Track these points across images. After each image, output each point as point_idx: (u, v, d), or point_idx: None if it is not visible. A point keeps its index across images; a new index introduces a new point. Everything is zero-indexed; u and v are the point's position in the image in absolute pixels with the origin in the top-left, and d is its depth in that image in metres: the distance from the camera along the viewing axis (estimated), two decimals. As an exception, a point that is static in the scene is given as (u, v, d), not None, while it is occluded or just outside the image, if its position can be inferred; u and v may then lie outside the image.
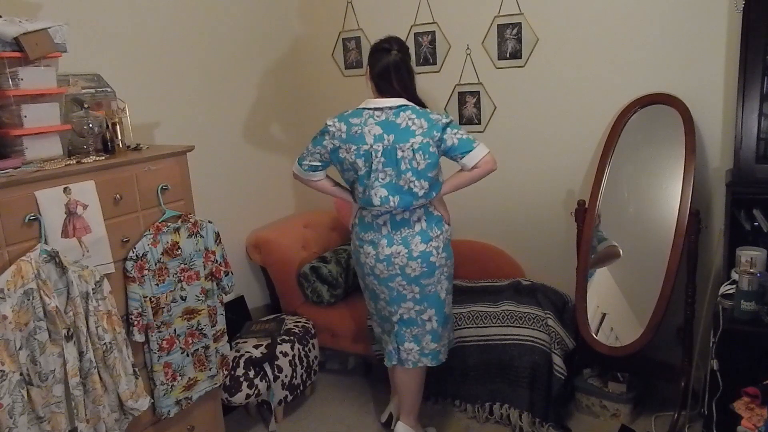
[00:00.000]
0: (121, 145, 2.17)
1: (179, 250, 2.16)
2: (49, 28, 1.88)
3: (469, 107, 3.14)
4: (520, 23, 2.89)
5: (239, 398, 2.60)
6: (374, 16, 3.29)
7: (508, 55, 2.97)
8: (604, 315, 2.68)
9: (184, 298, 2.19)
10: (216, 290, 2.31)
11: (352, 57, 3.42)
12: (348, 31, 3.39)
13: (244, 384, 2.60)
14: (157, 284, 2.10)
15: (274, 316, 3.13)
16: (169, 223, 2.14)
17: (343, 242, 3.38)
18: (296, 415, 2.91)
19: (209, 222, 2.27)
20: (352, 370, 3.25)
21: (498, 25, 2.95)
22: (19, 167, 1.82)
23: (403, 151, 2.16)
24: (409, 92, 2.26)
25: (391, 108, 2.20)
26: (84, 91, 2.18)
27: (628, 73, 2.72)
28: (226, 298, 2.46)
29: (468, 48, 3.07)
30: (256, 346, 2.74)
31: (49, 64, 1.92)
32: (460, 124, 3.14)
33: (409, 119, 2.18)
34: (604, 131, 2.80)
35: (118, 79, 2.40)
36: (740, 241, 2.28)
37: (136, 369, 2.01)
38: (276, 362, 2.72)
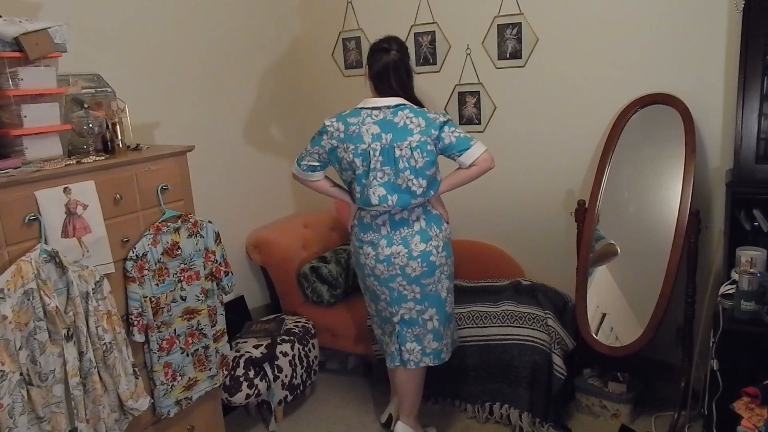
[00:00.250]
0: (121, 145, 2.17)
1: (179, 250, 2.16)
2: (49, 28, 1.88)
3: (469, 107, 3.14)
4: (520, 23, 2.89)
5: (239, 398, 2.60)
6: (374, 16, 3.29)
7: (508, 55, 2.97)
8: (604, 315, 2.68)
9: (184, 298, 2.19)
10: (216, 290, 2.31)
11: (352, 57, 3.42)
12: (348, 31, 3.39)
13: (244, 384, 2.60)
14: (157, 284, 2.10)
15: (274, 316, 3.13)
16: (169, 223, 2.14)
17: (343, 242, 3.38)
18: (296, 415, 2.91)
19: (209, 222, 2.27)
20: (352, 370, 3.25)
21: (498, 25, 2.95)
22: (19, 167, 1.82)
23: (401, 149, 2.17)
24: (408, 92, 2.27)
25: (389, 107, 2.21)
26: (84, 91, 2.18)
27: (628, 73, 2.72)
28: (226, 298, 2.45)
29: (468, 48, 3.07)
30: (256, 346, 2.74)
31: (49, 64, 1.91)
32: (460, 124, 3.14)
33: (407, 118, 2.18)
34: (604, 131, 2.80)
35: (118, 79, 2.40)
36: (740, 241, 2.27)
37: (136, 369, 2.01)
38: (276, 362, 2.72)
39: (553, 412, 2.58)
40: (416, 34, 3.17)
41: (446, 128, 2.19)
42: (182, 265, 2.18)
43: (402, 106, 2.21)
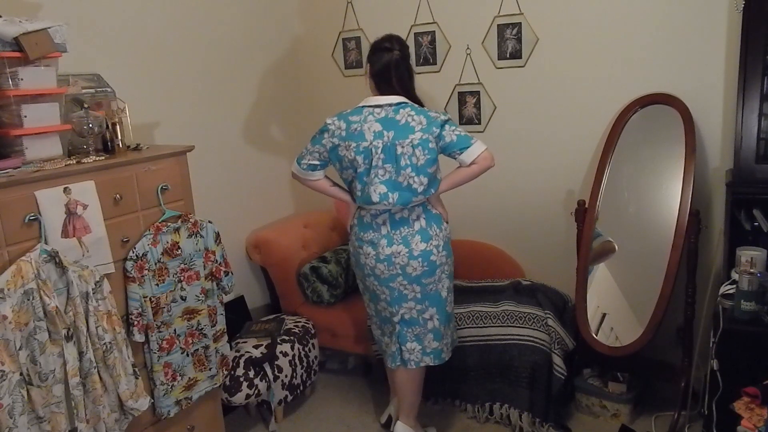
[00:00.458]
0: (121, 145, 2.17)
1: (179, 250, 2.16)
2: (49, 28, 1.88)
3: (469, 107, 3.14)
4: (520, 23, 2.89)
5: (239, 398, 2.60)
6: (374, 16, 3.29)
7: (508, 55, 2.97)
8: (604, 315, 2.68)
9: (184, 298, 2.19)
10: (216, 290, 2.31)
11: (352, 57, 3.42)
12: (348, 31, 3.39)
13: (244, 384, 2.60)
14: (157, 284, 2.10)
15: (274, 316, 3.13)
16: (169, 223, 2.14)
17: (343, 242, 3.38)
18: (296, 415, 2.91)
19: (209, 222, 2.27)
20: (352, 370, 3.25)
21: (498, 25, 2.95)
22: (19, 167, 1.81)
23: (402, 147, 2.17)
24: (409, 91, 2.27)
25: (390, 105, 2.21)
26: (84, 91, 2.18)
27: (628, 73, 2.72)
28: (226, 298, 2.45)
29: (468, 48, 3.07)
30: (256, 346, 2.74)
31: (49, 64, 1.91)
32: (460, 124, 3.14)
33: (409, 116, 2.19)
34: (604, 131, 2.80)
35: (118, 79, 2.40)
36: (740, 241, 2.28)
37: (136, 369, 2.01)
38: (276, 362, 2.72)
39: (553, 412, 2.58)
40: (416, 34, 3.18)
41: (447, 127, 2.20)
42: (182, 265, 2.17)
43: (403, 104, 2.22)
